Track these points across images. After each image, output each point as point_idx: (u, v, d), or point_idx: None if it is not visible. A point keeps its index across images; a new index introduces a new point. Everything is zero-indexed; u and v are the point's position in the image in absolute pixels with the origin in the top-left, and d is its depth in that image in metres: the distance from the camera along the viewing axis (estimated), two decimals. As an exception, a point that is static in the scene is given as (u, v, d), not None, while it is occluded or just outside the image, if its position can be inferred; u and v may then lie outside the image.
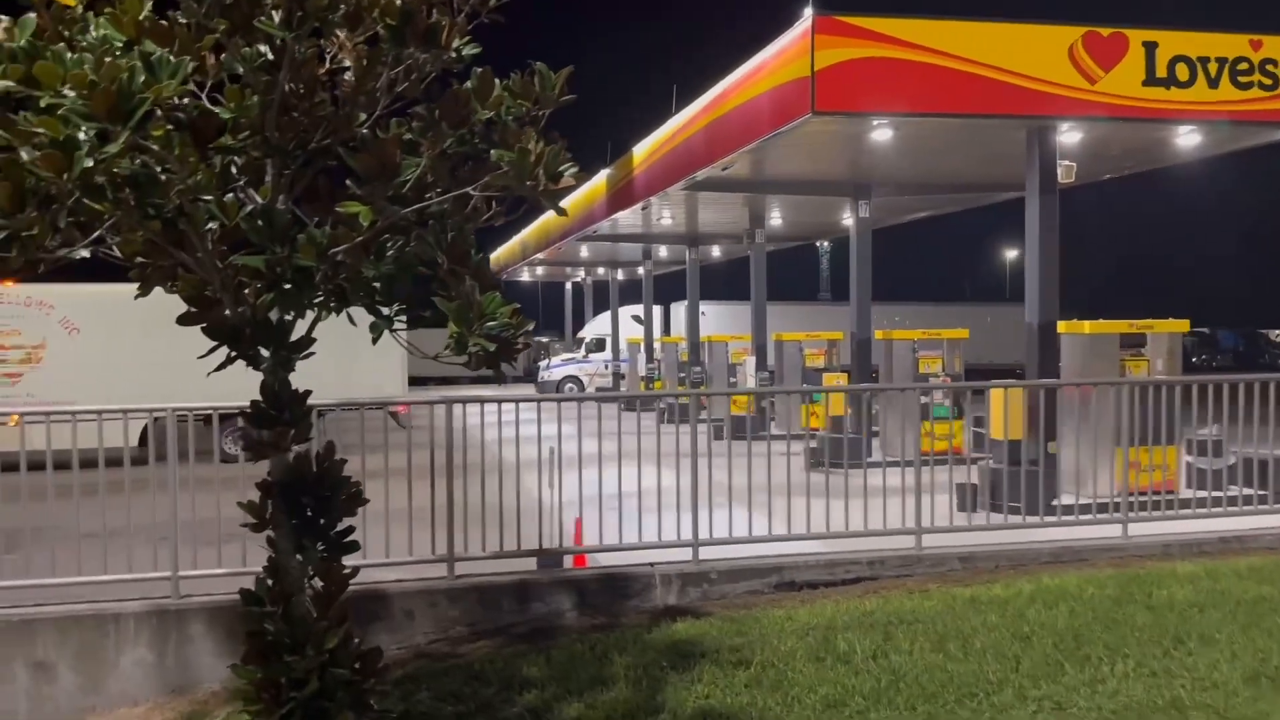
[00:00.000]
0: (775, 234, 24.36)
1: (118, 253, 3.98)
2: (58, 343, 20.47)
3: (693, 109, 13.41)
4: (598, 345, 38.05)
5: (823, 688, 4.44)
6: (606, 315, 39.78)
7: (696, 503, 6.23)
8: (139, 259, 4.04)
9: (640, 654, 5.01)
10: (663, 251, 32.44)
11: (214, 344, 3.97)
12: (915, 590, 5.95)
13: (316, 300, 3.72)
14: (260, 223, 3.53)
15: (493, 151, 3.49)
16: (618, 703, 4.42)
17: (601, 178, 24.58)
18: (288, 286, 3.59)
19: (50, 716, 5.25)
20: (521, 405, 6.77)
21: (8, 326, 20.31)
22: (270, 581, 3.86)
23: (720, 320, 39.53)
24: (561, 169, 3.45)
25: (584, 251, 32.16)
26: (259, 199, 3.75)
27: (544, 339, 60.03)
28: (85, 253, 3.63)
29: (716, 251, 30.58)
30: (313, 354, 3.87)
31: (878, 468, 6.83)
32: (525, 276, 46.24)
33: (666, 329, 39.02)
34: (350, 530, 3.99)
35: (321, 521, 3.91)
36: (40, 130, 3.03)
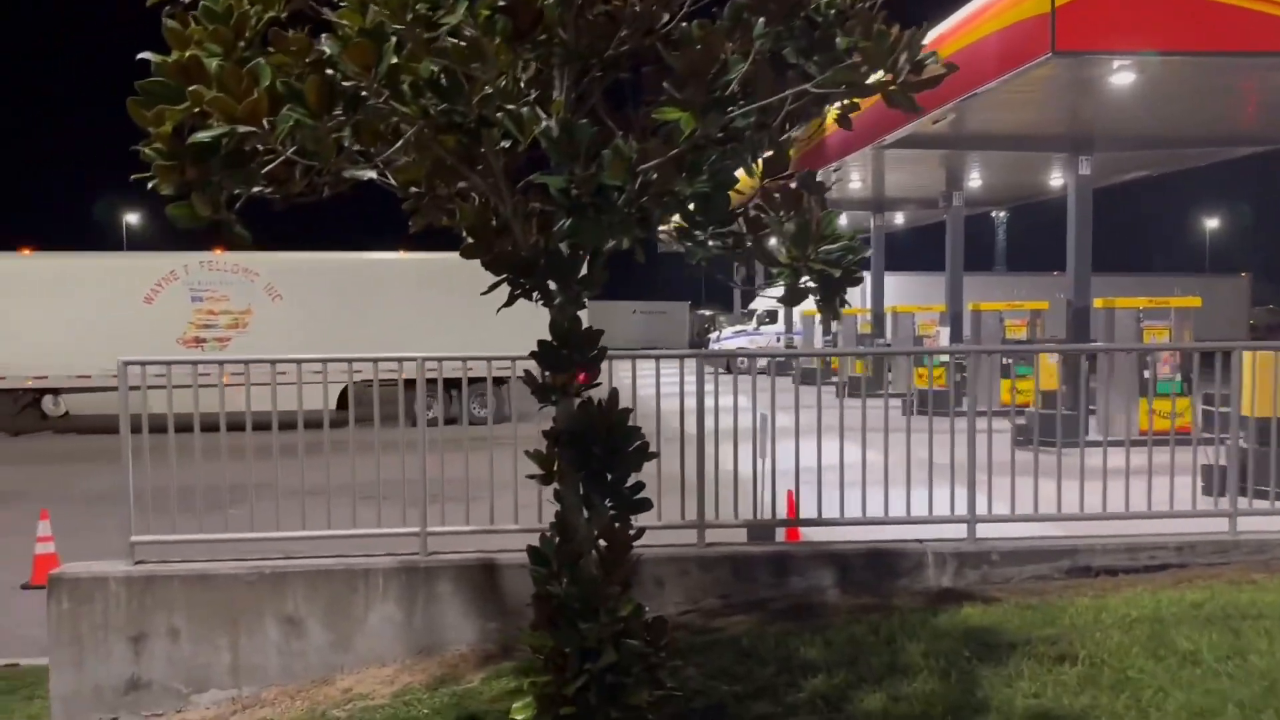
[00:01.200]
0: (971, 198, 22.93)
1: (393, 180, 3.69)
2: (262, 309, 21.44)
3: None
4: (770, 317, 37.22)
5: (1178, 692, 3.73)
6: (778, 287, 38.96)
7: (973, 477, 5.57)
8: (413, 189, 3.73)
9: (933, 641, 4.42)
10: (842, 220, 31.38)
11: (498, 279, 3.63)
12: (1240, 581, 5.11)
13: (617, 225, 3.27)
14: (559, 137, 3.11)
15: (839, 39, 2.94)
16: (928, 696, 3.85)
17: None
18: (588, 211, 3.16)
19: (300, 673, 5.12)
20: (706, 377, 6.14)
21: (217, 293, 21.38)
22: (557, 540, 3.48)
23: (898, 291, 37.91)
24: (924, 58, 2.88)
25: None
26: (543, 117, 3.34)
27: (707, 311, 59.62)
28: (371, 173, 3.33)
29: (900, 218, 29.23)
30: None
31: (1096, 447, 5.97)
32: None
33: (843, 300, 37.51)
34: (640, 486, 3.57)
35: (609, 476, 3.51)
36: (345, 23, 2.70)
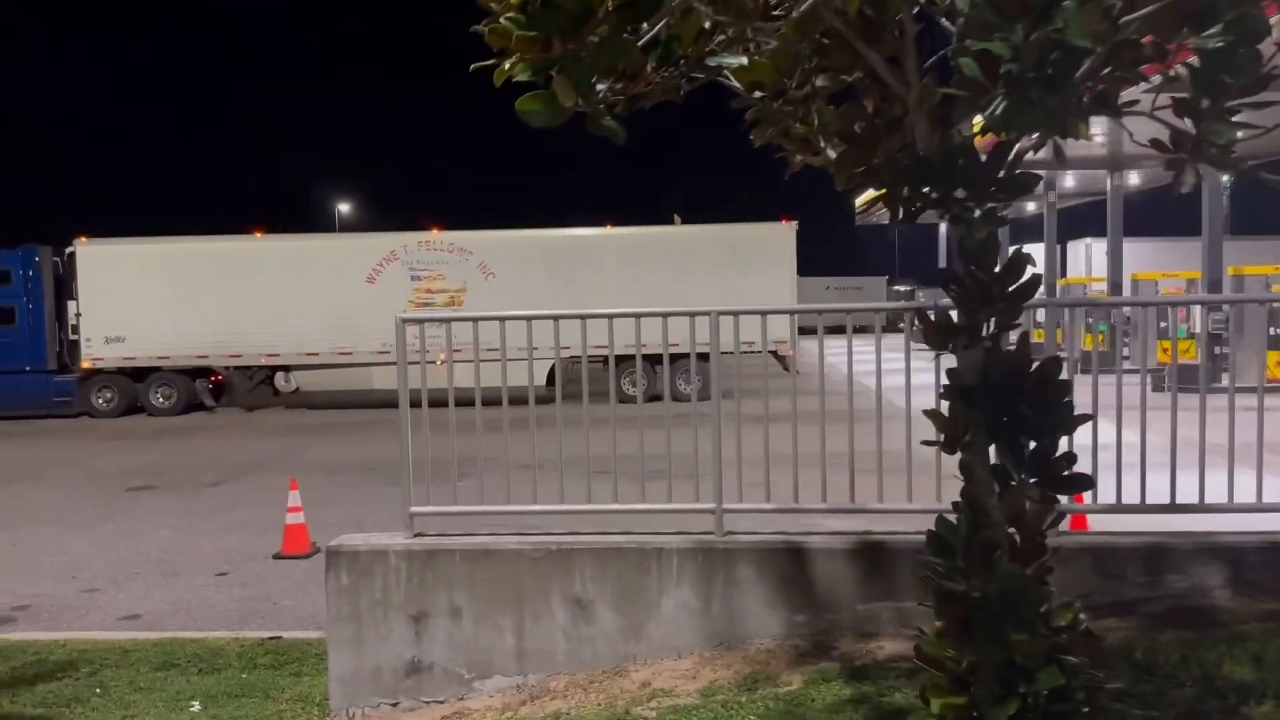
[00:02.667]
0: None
1: (736, 82, 3.03)
2: (476, 286, 21.76)
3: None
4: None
5: None
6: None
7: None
8: (758, 92, 3.06)
9: None
10: (1069, 180, 28.97)
11: (879, 192, 2.92)
12: None
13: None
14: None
15: None
16: None
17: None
18: (1032, 89, 2.38)
19: (588, 661, 4.61)
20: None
21: (434, 271, 21.83)
22: (965, 526, 2.74)
23: (1137, 258, 34.96)
24: None
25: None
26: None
27: (902, 287, 57.12)
28: (741, 59, 2.68)
29: (1135, 178, 26.69)
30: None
31: None
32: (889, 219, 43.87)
33: (1062, 270, 35.02)
34: (1073, 458, 2.78)
35: (1031, 443, 2.73)
36: None
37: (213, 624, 7.02)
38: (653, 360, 21.78)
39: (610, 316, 4.87)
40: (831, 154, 2.95)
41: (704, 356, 4.90)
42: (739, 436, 4.74)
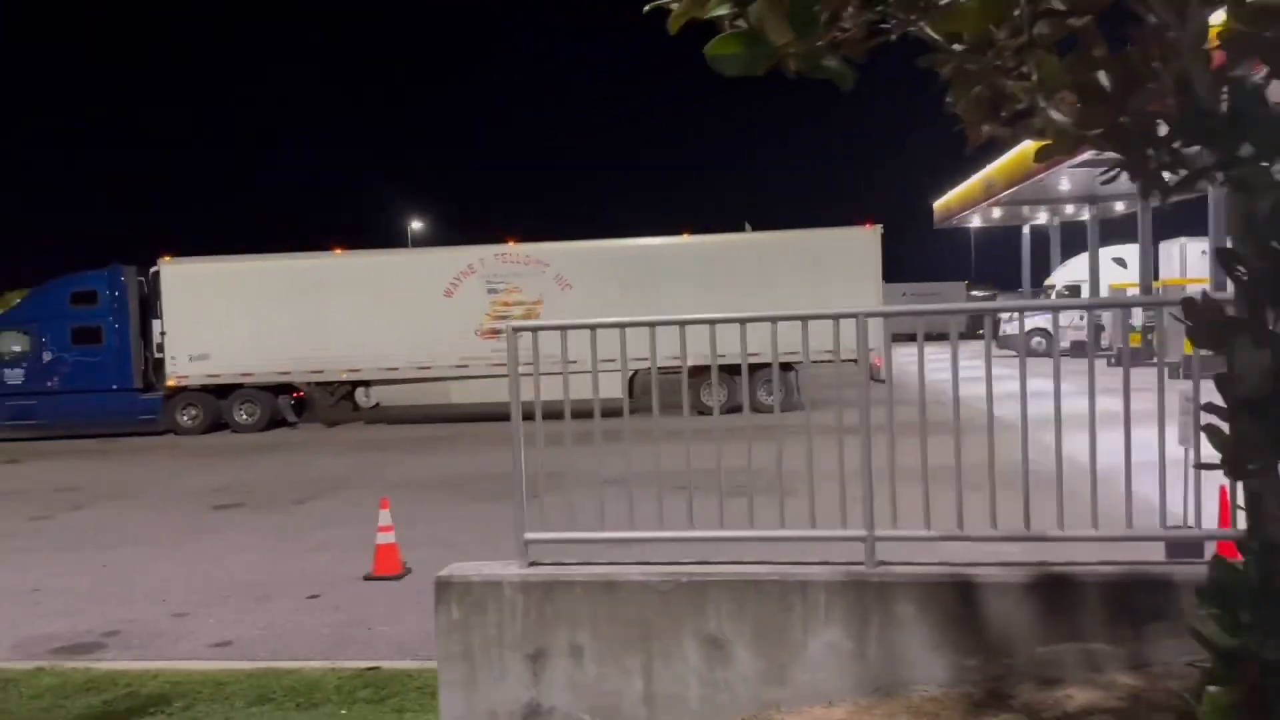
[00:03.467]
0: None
1: (934, 34, 2.55)
2: (552, 299, 21.47)
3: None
4: (1071, 293, 33.84)
5: None
6: (1077, 260, 35.34)
7: None
8: (956, 45, 2.57)
9: None
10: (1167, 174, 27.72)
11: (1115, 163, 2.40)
12: None
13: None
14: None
15: None
16: None
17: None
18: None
19: (725, 707, 4.11)
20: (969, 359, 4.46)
21: (510, 284, 21.61)
22: (1255, 570, 2.20)
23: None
24: None
25: (1064, 184, 28.41)
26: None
27: (979, 292, 55.62)
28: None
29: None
30: None
31: None
32: (975, 222, 42.65)
33: (1156, 272, 33.61)
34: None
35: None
36: None
37: (306, 651, 6.70)
38: (732, 370, 21.33)
39: (743, 321, 4.39)
40: (1056, 115, 2.43)
41: (787, 366, 4.40)
42: (891, 452, 4.21)
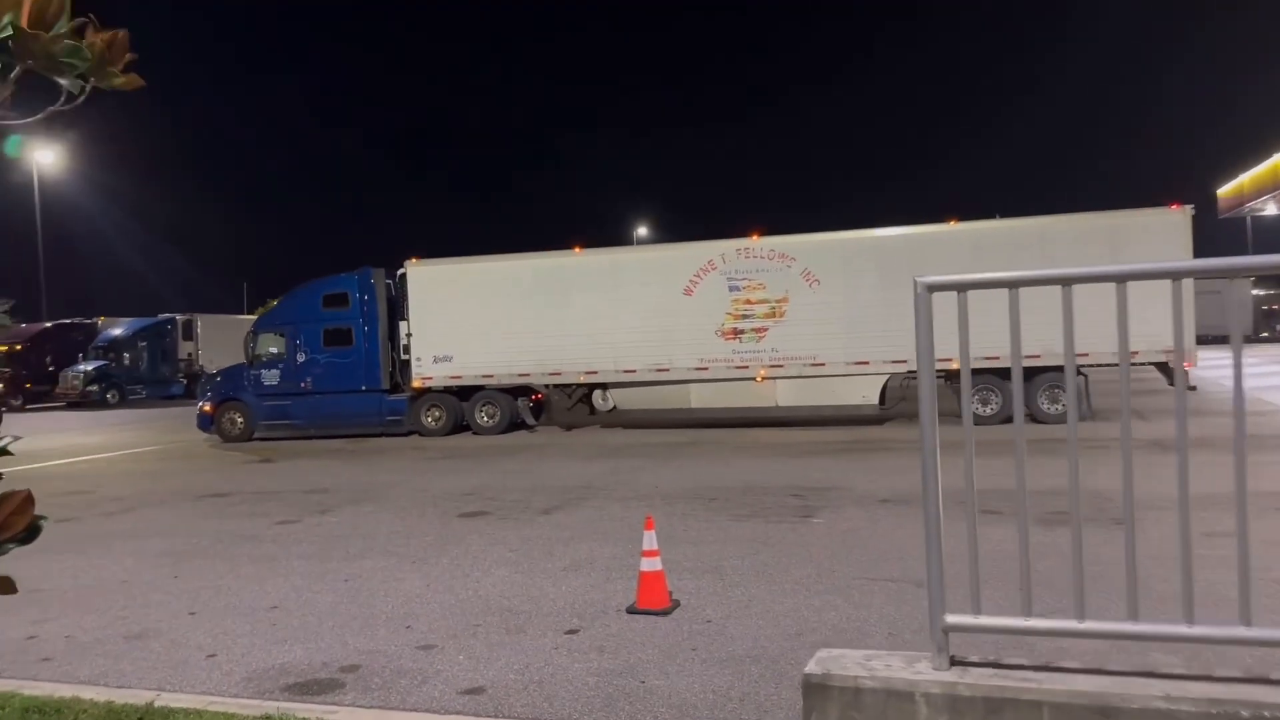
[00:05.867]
0: None
1: None
2: (799, 296, 19.78)
3: None
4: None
5: None
6: None
7: None
8: None
9: None
10: None
11: None
12: None
13: None
14: None
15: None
16: None
17: None
18: None
19: None
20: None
21: (754, 280, 20.06)
22: None
23: None
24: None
25: None
26: None
27: (1260, 291, 48.83)
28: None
29: None
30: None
31: None
32: (1271, 210, 37.30)
33: None
34: None
35: None
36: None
37: (571, 707, 5.44)
38: (1001, 374, 18.83)
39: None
40: None
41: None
42: None
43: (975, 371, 19.53)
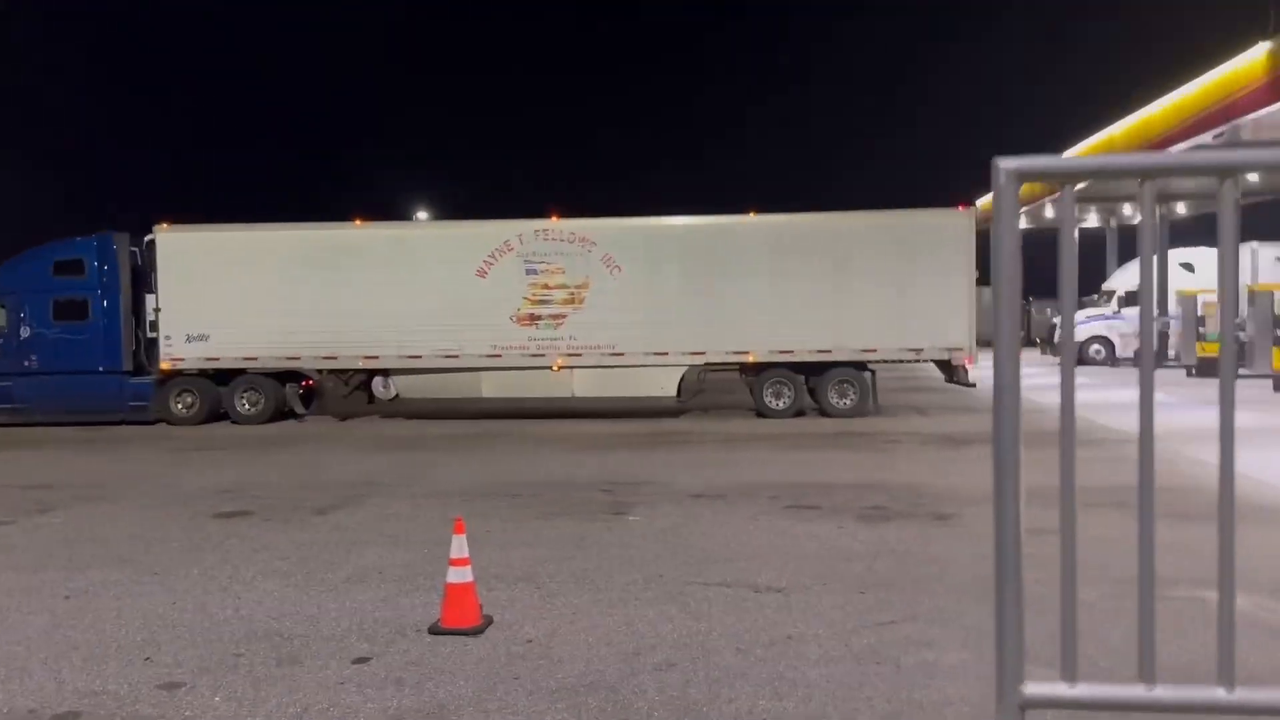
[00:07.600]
0: None
1: None
2: (600, 282, 18.92)
3: None
4: (1132, 299, 31.71)
5: None
6: (1136, 264, 33.04)
7: None
8: None
9: None
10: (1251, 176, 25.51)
11: None
12: None
13: None
14: None
15: None
16: None
17: (1260, 51, 18.69)
18: None
19: None
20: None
21: (553, 264, 19.01)
22: None
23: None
24: None
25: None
26: None
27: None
28: None
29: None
30: None
31: None
32: (1021, 224, 40.33)
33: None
34: None
35: None
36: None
37: (368, 766, 4.26)
38: (810, 369, 18.79)
39: None
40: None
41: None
42: None
43: (769, 365, 19.46)
